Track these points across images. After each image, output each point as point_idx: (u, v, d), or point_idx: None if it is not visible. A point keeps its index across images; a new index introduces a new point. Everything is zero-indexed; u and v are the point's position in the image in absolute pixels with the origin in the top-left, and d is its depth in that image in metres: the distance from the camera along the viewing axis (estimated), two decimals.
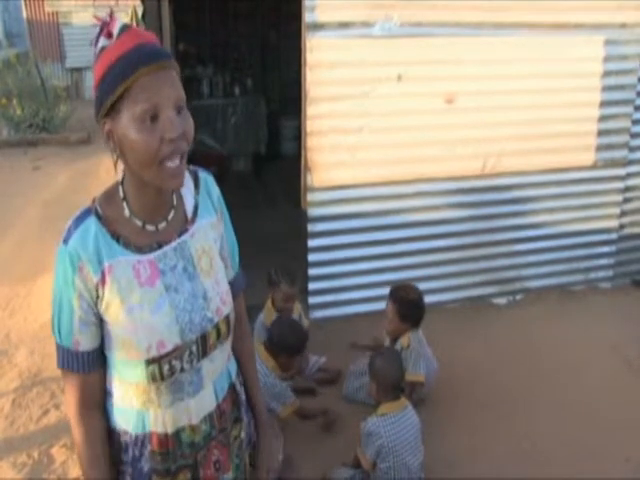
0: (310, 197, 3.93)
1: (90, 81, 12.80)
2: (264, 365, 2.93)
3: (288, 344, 2.98)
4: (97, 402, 1.40)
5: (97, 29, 1.25)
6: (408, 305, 3.28)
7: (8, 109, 9.56)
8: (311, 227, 3.99)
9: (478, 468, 2.92)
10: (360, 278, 4.17)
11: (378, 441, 2.65)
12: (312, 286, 4.12)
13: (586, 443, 3.11)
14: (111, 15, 1.24)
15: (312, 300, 4.14)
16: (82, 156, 8.60)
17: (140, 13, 4.78)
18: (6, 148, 9.26)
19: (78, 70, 13.34)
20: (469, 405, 3.37)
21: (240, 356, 1.63)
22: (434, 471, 2.88)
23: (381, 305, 3.45)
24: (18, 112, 9.51)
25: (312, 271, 4.08)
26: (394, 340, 3.35)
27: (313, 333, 3.81)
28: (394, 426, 2.68)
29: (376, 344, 3.70)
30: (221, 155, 7.14)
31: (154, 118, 1.22)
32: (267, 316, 3.42)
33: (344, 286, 4.17)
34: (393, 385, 2.76)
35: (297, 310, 3.59)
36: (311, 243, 4.02)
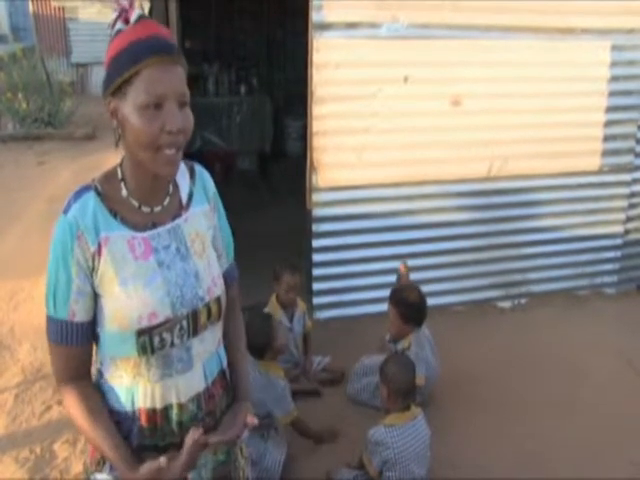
0: (315, 197, 3.93)
1: (96, 77, 12.86)
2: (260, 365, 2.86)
3: (260, 341, 2.79)
4: (85, 373, 1.42)
5: (116, 13, 1.30)
6: (409, 307, 3.26)
7: (13, 103, 9.56)
8: (316, 227, 3.99)
9: (481, 469, 2.92)
10: (365, 279, 4.17)
11: (385, 452, 2.62)
12: (316, 286, 4.12)
13: (590, 446, 3.11)
14: (131, 3, 1.29)
15: (316, 300, 4.14)
16: (87, 151, 8.61)
17: (147, 9, 4.77)
18: (11, 142, 9.28)
19: (83, 65, 13.36)
20: (473, 407, 3.37)
21: (229, 332, 1.61)
22: (437, 473, 2.88)
23: (385, 306, 3.44)
24: (23, 106, 9.52)
25: (317, 271, 4.08)
26: (395, 341, 3.34)
27: (317, 333, 3.82)
28: (401, 437, 2.63)
29: (383, 344, 3.67)
30: (226, 153, 7.14)
31: (158, 106, 1.26)
32: (271, 312, 3.42)
33: (349, 287, 4.17)
34: (405, 391, 2.69)
35: (301, 309, 3.61)
36: (316, 243, 4.02)
